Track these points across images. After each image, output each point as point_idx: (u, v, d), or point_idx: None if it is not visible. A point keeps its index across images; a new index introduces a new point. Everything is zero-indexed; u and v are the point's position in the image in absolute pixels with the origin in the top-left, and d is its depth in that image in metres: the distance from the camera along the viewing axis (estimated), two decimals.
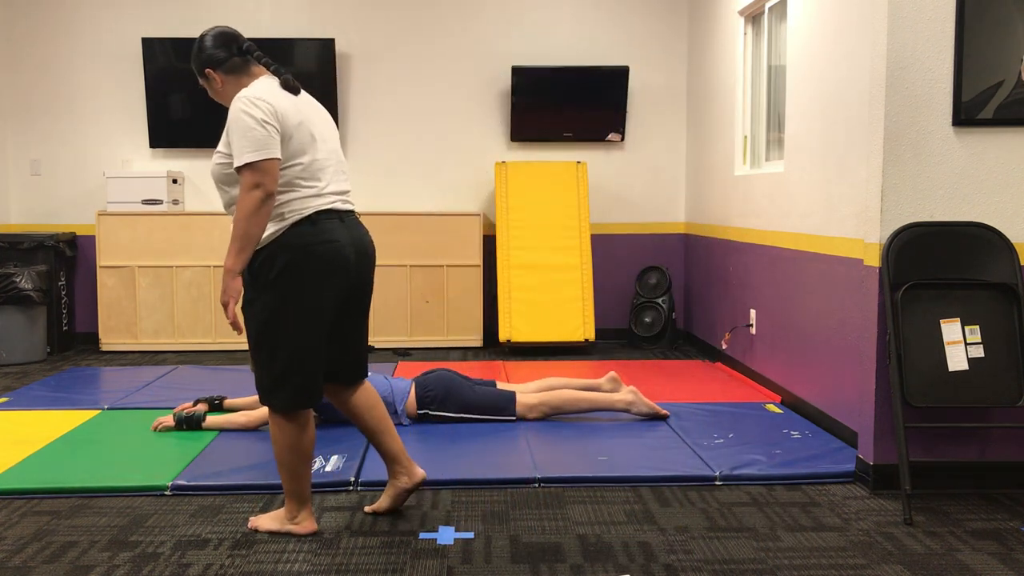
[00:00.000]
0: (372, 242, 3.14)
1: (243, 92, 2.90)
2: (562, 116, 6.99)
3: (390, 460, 3.27)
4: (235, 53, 3.01)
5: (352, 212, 3.09)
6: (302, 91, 3.04)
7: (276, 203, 2.88)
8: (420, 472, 3.30)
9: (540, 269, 6.60)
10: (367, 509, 3.32)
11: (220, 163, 2.93)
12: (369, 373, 4.46)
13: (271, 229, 2.89)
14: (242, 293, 2.91)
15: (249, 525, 3.17)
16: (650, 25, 7.06)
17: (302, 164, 2.92)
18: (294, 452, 3.04)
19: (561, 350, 6.58)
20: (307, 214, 2.91)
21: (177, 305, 6.57)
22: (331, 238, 2.94)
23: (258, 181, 2.80)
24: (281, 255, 2.89)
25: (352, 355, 3.18)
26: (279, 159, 2.85)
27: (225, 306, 2.88)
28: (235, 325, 2.89)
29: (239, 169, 2.82)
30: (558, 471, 3.69)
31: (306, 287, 2.92)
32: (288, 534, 3.11)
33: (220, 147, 2.92)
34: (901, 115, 3.45)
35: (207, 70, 3.02)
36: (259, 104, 2.85)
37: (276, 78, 3.00)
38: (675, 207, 7.20)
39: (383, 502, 3.30)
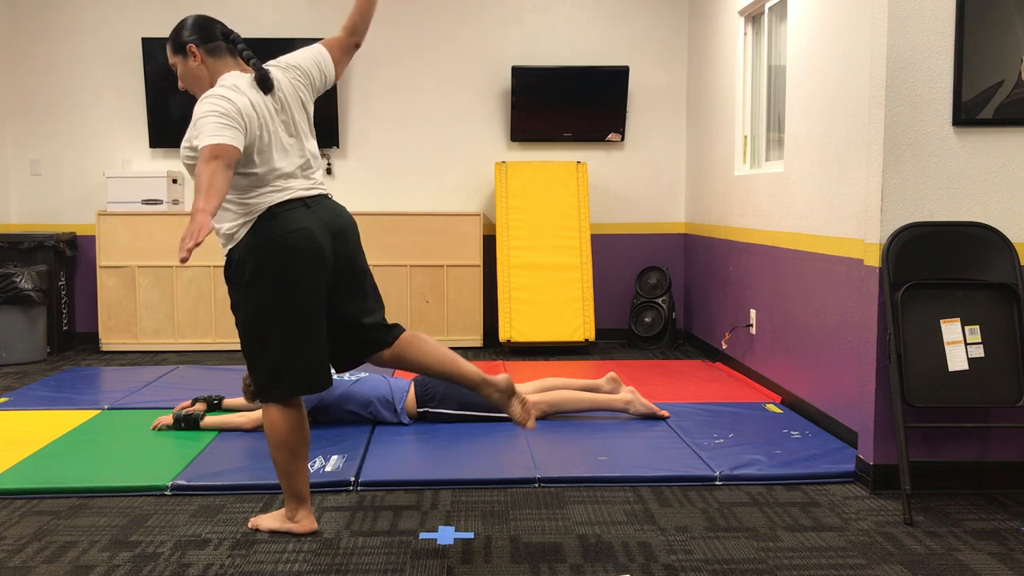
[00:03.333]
0: (350, 218, 3.07)
1: (220, 85, 2.86)
2: (562, 116, 6.99)
3: (473, 388, 3.16)
4: (219, 37, 3.00)
5: (320, 196, 3.02)
6: (278, 83, 2.96)
7: (238, 203, 2.88)
8: (503, 378, 3.14)
9: (540, 269, 6.60)
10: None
11: (190, 156, 2.83)
12: (366, 374, 4.49)
13: (235, 230, 2.90)
14: (206, 233, 2.56)
15: (249, 525, 3.17)
16: (650, 25, 7.06)
17: (257, 167, 2.87)
18: (285, 448, 3.04)
19: (561, 350, 6.58)
20: (266, 207, 2.89)
21: (177, 305, 6.57)
22: (297, 226, 2.90)
23: (217, 153, 2.66)
24: (251, 256, 2.89)
25: (361, 328, 3.08)
26: (239, 151, 2.74)
27: (189, 237, 2.48)
28: (184, 248, 2.54)
29: (201, 150, 2.68)
30: (558, 471, 3.69)
31: (282, 280, 2.91)
32: (288, 533, 3.11)
33: (186, 141, 2.83)
34: (901, 115, 3.45)
35: (189, 46, 2.96)
36: (234, 99, 2.79)
37: (250, 72, 2.94)
38: (675, 207, 7.21)
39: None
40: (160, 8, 6.85)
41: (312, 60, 3.08)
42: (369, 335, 3.11)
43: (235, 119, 2.76)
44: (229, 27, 3.04)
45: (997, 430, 3.57)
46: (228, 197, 2.90)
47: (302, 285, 2.93)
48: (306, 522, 3.12)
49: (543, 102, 6.94)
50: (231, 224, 2.92)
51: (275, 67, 3.02)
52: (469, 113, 7.06)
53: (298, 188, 2.96)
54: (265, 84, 2.91)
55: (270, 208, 2.90)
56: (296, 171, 2.97)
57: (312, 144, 3.07)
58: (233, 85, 2.87)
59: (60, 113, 6.91)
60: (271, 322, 2.93)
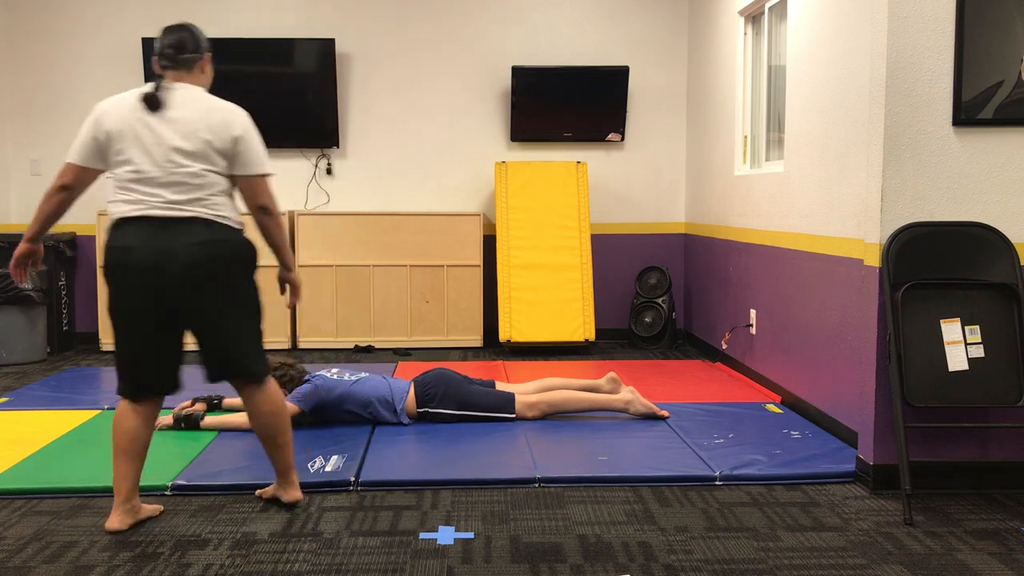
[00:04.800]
0: (191, 251, 3.02)
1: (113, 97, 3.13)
2: (562, 116, 6.99)
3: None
4: (154, 52, 3.19)
5: (184, 219, 3.03)
6: (179, 104, 3.06)
7: (111, 204, 3.09)
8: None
9: (540, 269, 6.60)
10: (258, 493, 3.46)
11: None
12: (366, 374, 4.48)
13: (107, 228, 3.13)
14: (24, 255, 3.18)
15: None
16: (650, 25, 7.06)
17: (118, 175, 3.06)
18: (114, 442, 3.17)
19: (561, 350, 6.58)
20: (115, 219, 3.06)
21: None
22: (124, 244, 3.03)
23: (60, 172, 3.12)
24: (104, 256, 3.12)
25: (207, 358, 3.21)
26: (78, 167, 3.09)
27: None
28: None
29: None
30: (558, 471, 3.69)
31: (109, 288, 3.09)
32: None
33: None
34: (901, 115, 3.45)
35: (208, 54, 3.22)
36: (95, 111, 3.08)
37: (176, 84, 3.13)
38: (675, 207, 7.21)
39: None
40: (160, 8, 6.84)
41: (230, 149, 3.09)
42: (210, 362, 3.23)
43: (90, 134, 3.07)
44: (167, 40, 3.14)
45: (997, 430, 3.57)
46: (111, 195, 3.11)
47: (123, 300, 3.09)
48: (113, 519, 3.16)
49: (543, 102, 6.94)
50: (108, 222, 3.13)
51: (211, 106, 3.10)
52: (469, 113, 7.06)
53: (155, 203, 3.03)
54: (149, 103, 3.05)
55: (115, 220, 3.07)
56: (155, 186, 3.03)
57: (207, 167, 3.05)
58: (118, 98, 3.10)
59: (60, 113, 6.91)
60: (112, 323, 3.13)
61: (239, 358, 3.19)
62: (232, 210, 3.13)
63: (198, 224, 3.05)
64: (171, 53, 3.11)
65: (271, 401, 3.26)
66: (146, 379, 3.16)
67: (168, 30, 3.15)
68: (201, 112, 3.06)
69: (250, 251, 3.17)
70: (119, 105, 3.07)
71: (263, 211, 3.16)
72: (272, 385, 3.28)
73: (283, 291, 3.37)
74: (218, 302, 3.10)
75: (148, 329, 3.09)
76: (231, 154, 3.08)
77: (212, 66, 3.27)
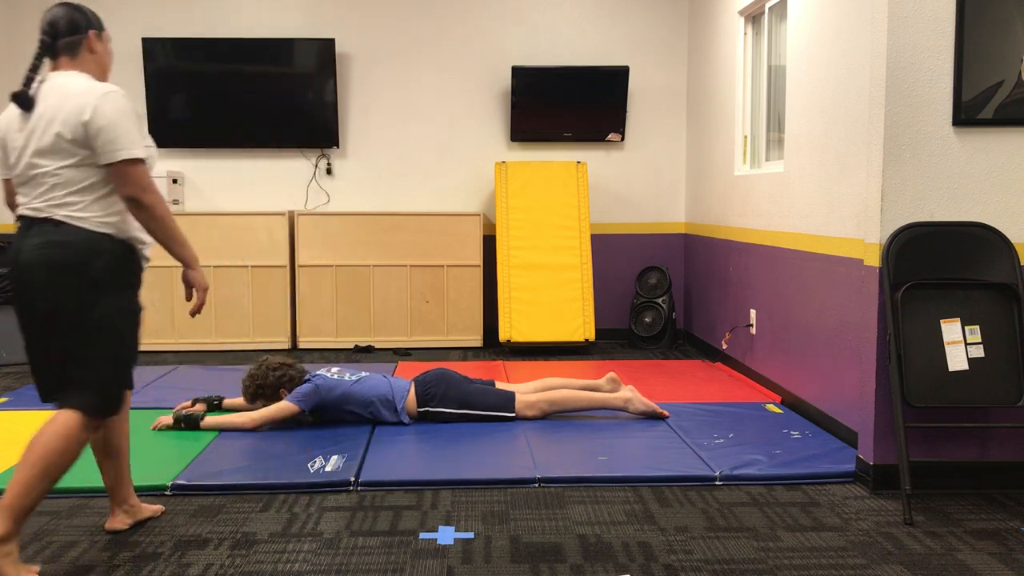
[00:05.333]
0: (31, 252, 2.77)
1: None
2: (562, 116, 6.99)
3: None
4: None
5: (43, 220, 2.78)
6: (44, 99, 2.79)
7: None
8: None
9: (540, 269, 6.61)
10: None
11: None
12: (366, 373, 4.48)
13: None
14: None
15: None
16: (650, 25, 7.07)
17: (12, 179, 2.91)
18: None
19: (561, 350, 6.58)
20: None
21: (177, 305, 6.56)
22: (13, 244, 2.87)
23: None
24: None
25: (48, 372, 2.91)
26: (2, 180, 2.96)
27: None
28: None
29: None
30: (558, 471, 3.69)
31: None
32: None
33: None
34: (901, 115, 3.45)
35: (93, 31, 2.89)
36: None
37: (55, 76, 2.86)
38: (675, 207, 7.21)
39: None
40: (160, 8, 6.85)
41: (82, 137, 2.75)
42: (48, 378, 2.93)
43: None
44: (41, 28, 2.86)
45: (997, 430, 3.57)
46: None
47: (15, 300, 2.90)
48: (112, 519, 3.13)
49: (543, 102, 6.95)
50: None
51: (80, 91, 2.77)
52: (469, 113, 7.06)
53: (26, 206, 2.86)
54: (18, 102, 2.80)
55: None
56: (29, 188, 2.82)
57: (63, 163, 2.77)
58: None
59: None
60: None
61: (60, 375, 2.86)
62: (95, 209, 2.78)
63: (48, 225, 2.76)
64: (47, 41, 2.83)
65: (66, 436, 2.82)
66: (45, 382, 2.93)
67: (43, 16, 2.85)
68: (58, 103, 2.75)
69: (107, 256, 2.80)
70: (7, 111, 2.88)
71: (132, 203, 2.78)
72: (79, 423, 2.84)
73: (189, 296, 3.05)
74: (55, 308, 2.77)
75: (28, 331, 2.91)
76: (86, 142, 2.73)
77: (104, 42, 2.94)
